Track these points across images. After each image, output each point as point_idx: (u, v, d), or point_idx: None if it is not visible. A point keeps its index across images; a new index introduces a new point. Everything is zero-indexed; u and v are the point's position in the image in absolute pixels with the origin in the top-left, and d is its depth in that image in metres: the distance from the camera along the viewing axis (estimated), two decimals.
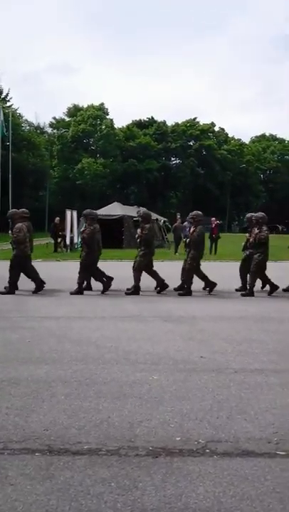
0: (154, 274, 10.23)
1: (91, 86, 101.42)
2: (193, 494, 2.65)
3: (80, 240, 26.17)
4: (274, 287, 10.23)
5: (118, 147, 64.05)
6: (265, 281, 10.37)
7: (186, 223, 23.11)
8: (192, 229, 10.41)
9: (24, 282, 10.15)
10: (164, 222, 31.34)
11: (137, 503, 2.58)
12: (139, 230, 10.40)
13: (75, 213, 25.54)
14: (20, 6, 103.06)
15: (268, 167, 76.11)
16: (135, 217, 27.57)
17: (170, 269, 15.42)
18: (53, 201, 56.84)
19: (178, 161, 71.44)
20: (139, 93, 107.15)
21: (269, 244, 10.33)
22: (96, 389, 4.30)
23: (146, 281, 10.25)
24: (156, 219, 30.99)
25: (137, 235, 10.45)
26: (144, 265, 10.05)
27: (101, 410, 3.81)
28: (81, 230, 11.85)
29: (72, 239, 24.87)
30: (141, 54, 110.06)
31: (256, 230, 10.22)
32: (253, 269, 10.05)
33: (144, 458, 3.05)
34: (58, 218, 24.79)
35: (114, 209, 28.12)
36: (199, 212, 10.58)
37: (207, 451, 3.16)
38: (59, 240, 24.32)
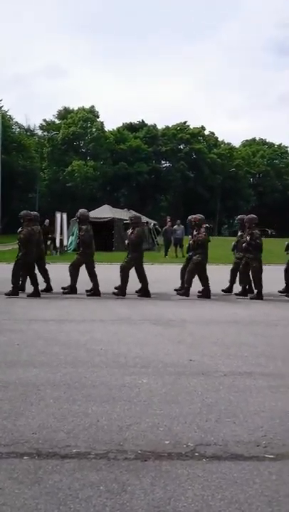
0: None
1: (81, 89, 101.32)
2: (182, 498, 2.65)
3: (70, 242, 26.21)
4: (208, 291, 10.29)
5: (108, 150, 64.02)
6: (205, 284, 10.36)
7: (176, 226, 23.24)
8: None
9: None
10: (154, 225, 31.39)
11: (125, 506, 2.57)
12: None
13: (64, 215, 25.47)
14: (10, 8, 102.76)
15: (257, 171, 76.56)
16: (125, 220, 27.68)
17: (160, 271, 15.43)
18: (42, 203, 56.58)
19: (168, 165, 71.61)
20: (130, 96, 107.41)
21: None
22: (85, 392, 4.28)
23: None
24: (147, 222, 31.06)
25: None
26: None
27: (90, 414, 3.79)
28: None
29: (61, 241, 24.79)
30: (132, 57, 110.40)
31: (194, 232, 10.40)
32: (189, 269, 10.19)
33: (133, 461, 3.04)
34: (47, 220, 24.66)
35: (105, 212, 28.11)
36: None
37: (196, 454, 3.16)
38: (48, 242, 24.20)
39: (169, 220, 25.30)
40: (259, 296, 10.08)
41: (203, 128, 73.37)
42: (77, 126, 62.19)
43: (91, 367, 5.08)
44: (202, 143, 71.71)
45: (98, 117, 65.69)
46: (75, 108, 66.33)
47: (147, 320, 7.79)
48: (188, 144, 69.79)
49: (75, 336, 6.52)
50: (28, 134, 65.06)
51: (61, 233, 24.86)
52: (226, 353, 5.75)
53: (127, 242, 10.39)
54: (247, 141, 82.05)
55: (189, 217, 10.95)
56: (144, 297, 10.04)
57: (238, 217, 11.68)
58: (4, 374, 4.78)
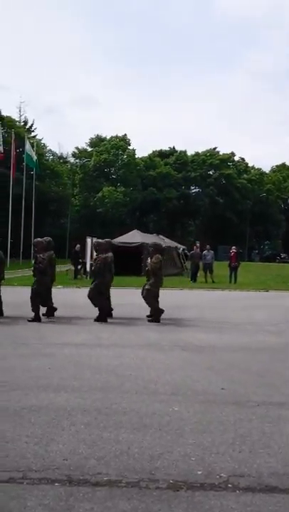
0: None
1: (113, 117, 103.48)
2: None
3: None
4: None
5: (138, 176, 64.87)
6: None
7: (205, 251, 23.18)
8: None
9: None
10: (183, 250, 31.39)
11: None
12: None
13: (95, 240, 25.78)
14: (43, 41, 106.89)
15: (288, 196, 75.95)
16: None
17: (188, 296, 15.32)
18: (73, 228, 57.53)
19: (197, 190, 71.84)
20: (161, 124, 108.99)
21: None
22: (116, 419, 4.27)
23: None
24: (176, 247, 31.09)
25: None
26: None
27: (121, 441, 3.77)
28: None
29: (92, 266, 25.02)
30: (162, 86, 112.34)
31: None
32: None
33: (164, 491, 3.00)
34: (78, 245, 25.05)
35: (134, 237, 28.32)
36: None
37: (229, 485, 3.09)
38: (79, 266, 24.51)
39: (197, 245, 25.26)
40: None
41: (233, 154, 73.61)
42: (110, 154, 63.43)
43: (121, 393, 5.07)
44: (232, 168, 71.83)
45: (129, 145, 66.93)
46: (107, 136, 67.90)
47: (176, 346, 7.73)
48: (217, 170, 70.01)
49: (104, 361, 6.52)
50: (61, 161, 66.72)
51: (91, 258, 25.10)
52: (257, 382, 5.64)
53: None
54: (277, 166, 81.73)
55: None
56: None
57: None
58: (36, 398, 4.82)
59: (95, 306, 10.15)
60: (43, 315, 10.13)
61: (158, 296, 10.27)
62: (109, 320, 10.10)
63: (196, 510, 2.79)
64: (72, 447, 3.62)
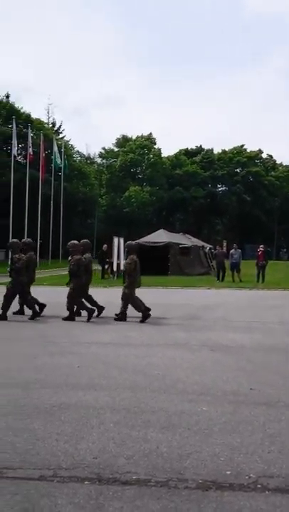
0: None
1: (139, 116, 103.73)
2: None
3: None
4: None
5: (164, 175, 64.83)
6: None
7: (232, 250, 22.99)
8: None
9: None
10: (210, 249, 31.21)
11: None
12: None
13: (122, 240, 25.90)
14: (70, 43, 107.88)
15: None
16: (181, 244, 27.75)
17: (216, 296, 15.25)
18: (100, 228, 58.00)
19: (224, 188, 71.29)
20: (187, 122, 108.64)
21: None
22: (144, 418, 4.29)
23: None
24: (202, 246, 30.94)
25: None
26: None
27: (149, 440, 3.78)
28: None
29: (118, 265, 25.16)
30: (188, 85, 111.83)
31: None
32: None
33: (194, 491, 3.00)
34: (105, 245, 25.22)
35: (160, 236, 28.33)
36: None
37: (259, 486, 3.07)
38: (106, 266, 24.66)
39: (224, 244, 25.08)
40: None
41: (260, 151, 72.73)
42: (135, 154, 63.62)
43: (149, 392, 5.08)
44: (259, 166, 70.98)
45: (155, 144, 66.97)
46: (133, 136, 68.12)
47: (205, 345, 7.70)
48: (245, 167, 69.29)
49: (132, 360, 6.55)
50: (88, 162, 67.31)
51: (118, 257, 25.25)
52: (287, 383, 5.56)
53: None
54: None
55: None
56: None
57: None
58: (66, 396, 4.88)
59: (67, 309, 10.15)
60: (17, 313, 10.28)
61: (133, 297, 10.19)
62: (136, 320, 10.11)
63: (225, 510, 2.78)
64: (101, 446, 3.66)
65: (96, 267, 26.43)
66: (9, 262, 10.92)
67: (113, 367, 6.17)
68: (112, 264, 24.51)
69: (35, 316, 10.24)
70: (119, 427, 4.04)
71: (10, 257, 11.10)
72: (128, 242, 11.20)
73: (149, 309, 10.12)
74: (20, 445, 3.65)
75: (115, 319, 10.10)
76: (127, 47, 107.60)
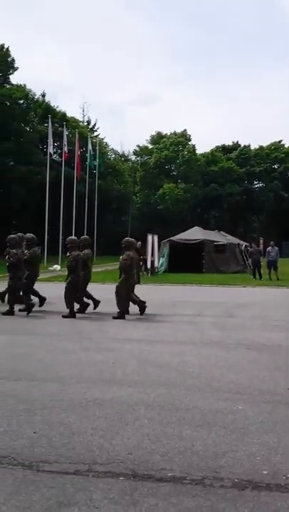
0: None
1: (174, 113, 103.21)
2: None
3: (160, 263, 26.56)
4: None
5: (199, 172, 64.35)
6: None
7: (269, 248, 22.61)
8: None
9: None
10: (246, 246, 30.79)
11: None
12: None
13: (156, 238, 25.89)
14: (103, 42, 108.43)
15: None
16: (216, 241, 27.49)
17: (252, 294, 15.02)
18: (134, 226, 58.15)
19: (261, 185, 70.12)
20: (222, 118, 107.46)
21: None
22: (179, 415, 4.26)
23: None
24: (238, 243, 30.55)
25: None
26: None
27: (184, 437, 3.75)
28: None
29: (152, 263, 25.17)
30: (223, 81, 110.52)
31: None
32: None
33: (229, 490, 2.95)
34: (139, 243, 25.12)
35: (195, 233, 28.15)
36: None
37: None
38: (140, 263, 24.67)
39: (261, 241, 24.71)
40: None
41: None
42: (169, 151, 63.40)
43: (184, 389, 5.05)
44: None
45: (190, 141, 66.53)
46: (168, 133, 67.89)
47: (241, 344, 7.59)
48: (282, 164, 67.95)
49: (166, 358, 6.53)
50: (122, 159, 67.60)
51: (152, 255, 25.25)
52: None
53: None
54: None
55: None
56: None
57: None
58: (101, 392, 4.91)
59: (66, 307, 10.08)
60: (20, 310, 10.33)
61: (129, 293, 10.13)
62: (172, 317, 10.08)
63: (262, 510, 2.72)
64: (136, 442, 3.65)
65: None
66: (6, 257, 10.98)
67: (147, 364, 6.17)
68: (146, 261, 24.53)
69: (27, 310, 10.29)
70: (153, 424, 4.03)
71: (6, 252, 11.13)
72: (126, 238, 11.11)
73: (144, 306, 10.11)
74: (56, 439, 3.69)
75: (114, 317, 9.97)
76: (161, 43, 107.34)
